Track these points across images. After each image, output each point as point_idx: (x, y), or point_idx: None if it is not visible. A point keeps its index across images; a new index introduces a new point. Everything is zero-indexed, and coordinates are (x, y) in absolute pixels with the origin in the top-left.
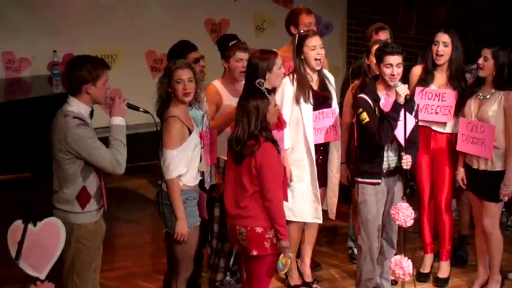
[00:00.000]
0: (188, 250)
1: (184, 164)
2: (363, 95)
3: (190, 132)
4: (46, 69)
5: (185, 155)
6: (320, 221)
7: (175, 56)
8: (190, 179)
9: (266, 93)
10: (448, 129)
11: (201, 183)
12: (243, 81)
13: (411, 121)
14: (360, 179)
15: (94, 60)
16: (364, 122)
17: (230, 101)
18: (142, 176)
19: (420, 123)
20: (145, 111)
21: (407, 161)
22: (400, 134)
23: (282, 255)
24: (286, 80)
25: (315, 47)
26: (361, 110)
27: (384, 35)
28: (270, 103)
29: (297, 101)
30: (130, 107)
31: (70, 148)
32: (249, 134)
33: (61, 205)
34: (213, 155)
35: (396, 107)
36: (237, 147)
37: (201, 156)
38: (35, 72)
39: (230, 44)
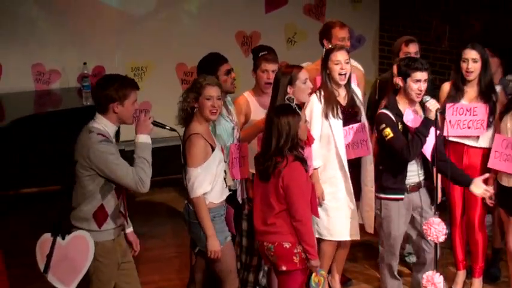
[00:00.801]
0: (227, 266)
1: (209, 181)
2: (384, 111)
3: (213, 149)
4: (76, 81)
5: (209, 172)
6: (358, 238)
7: (206, 68)
8: (216, 196)
9: (297, 109)
10: (482, 143)
11: (232, 196)
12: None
13: (432, 136)
14: (382, 195)
15: (123, 79)
16: (388, 137)
17: (259, 112)
18: (172, 189)
19: (452, 139)
20: (172, 129)
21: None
22: (426, 148)
23: (314, 274)
24: (314, 98)
25: (339, 61)
26: (383, 125)
27: (413, 48)
28: (301, 119)
29: (326, 117)
30: (157, 124)
31: (92, 164)
32: (276, 151)
33: (78, 223)
34: (245, 168)
35: (426, 122)
36: (264, 165)
37: (225, 170)
38: (65, 85)
39: (260, 55)
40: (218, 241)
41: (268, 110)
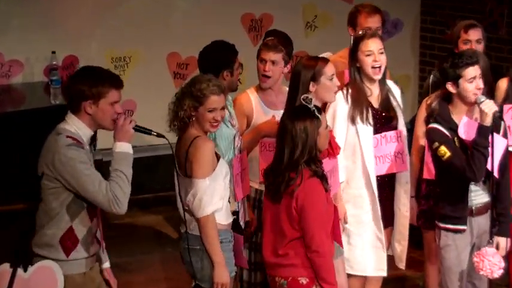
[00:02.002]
0: None
1: (219, 195)
2: (434, 125)
3: (218, 156)
4: (42, 74)
5: (218, 185)
6: (384, 274)
7: (218, 63)
8: (224, 215)
9: (316, 113)
10: None
11: (234, 221)
12: (285, 90)
13: (501, 142)
14: (441, 224)
15: (101, 73)
16: (446, 157)
17: (264, 114)
18: (159, 209)
19: (510, 148)
20: (159, 135)
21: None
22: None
23: None
24: (339, 97)
25: (371, 52)
26: (437, 144)
27: (474, 34)
28: (320, 125)
29: (353, 121)
30: (140, 129)
31: (56, 173)
32: (290, 165)
33: (41, 250)
34: (245, 184)
35: (482, 130)
36: (274, 182)
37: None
38: (29, 79)
39: (264, 41)
40: (228, 271)
41: (283, 114)
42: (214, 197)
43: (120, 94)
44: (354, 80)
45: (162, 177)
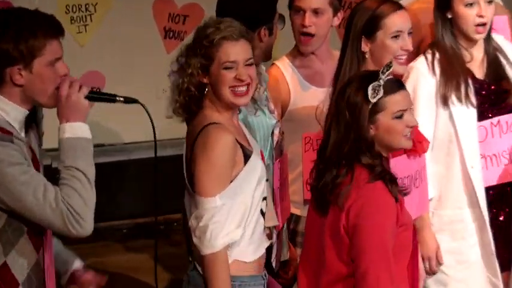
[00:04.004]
0: None
1: (238, 220)
2: None
3: (246, 155)
4: None
5: (240, 203)
6: None
7: (250, 12)
8: (250, 249)
9: (380, 89)
10: None
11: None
12: (336, 56)
13: None
14: None
15: (29, 18)
16: None
17: (305, 95)
18: (146, 244)
19: None
20: (128, 100)
21: None
22: None
23: None
24: (420, 64)
25: (474, 0)
26: None
27: None
28: (383, 109)
29: (445, 102)
30: (96, 97)
31: None
32: (336, 155)
33: None
34: (286, 202)
35: None
36: (318, 183)
37: (266, 200)
38: None
39: None
40: None
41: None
42: (229, 223)
43: (61, 46)
44: (444, 39)
45: (147, 192)
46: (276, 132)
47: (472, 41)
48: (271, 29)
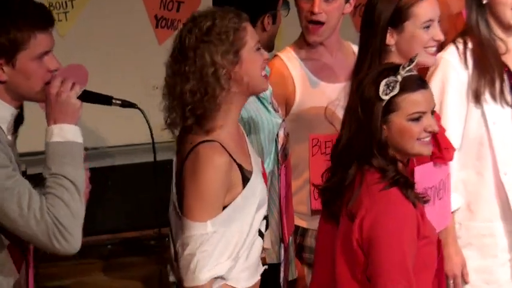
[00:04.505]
0: None
1: (230, 250)
2: None
3: (244, 175)
4: None
5: (235, 231)
6: None
7: None
8: (242, 275)
9: (396, 86)
10: None
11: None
12: (347, 47)
13: None
14: None
15: (13, 7)
16: None
17: (313, 91)
18: (134, 262)
19: None
20: (126, 104)
21: None
22: None
23: None
24: (451, 55)
25: None
26: None
27: None
28: (397, 109)
29: (477, 100)
30: (90, 98)
31: None
32: (348, 156)
33: None
34: (290, 214)
35: None
36: (328, 187)
37: (267, 219)
38: None
39: None
40: None
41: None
42: (218, 254)
43: (51, 38)
44: (478, 27)
45: (143, 204)
46: (281, 133)
47: (510, 30)
48: (275, 16)
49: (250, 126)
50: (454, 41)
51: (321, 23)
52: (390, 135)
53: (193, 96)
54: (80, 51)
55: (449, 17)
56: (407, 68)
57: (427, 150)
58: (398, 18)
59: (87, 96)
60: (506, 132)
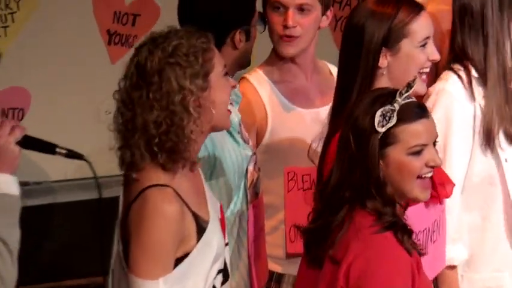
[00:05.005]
0: None
1: None
2: None
3: (200, 225)
4: None
5: (191, 287)
6: None
7: (224, 12)
8: None
9: (396, 102)
10: None
11: None
12: (323, 67)
13: None
14: None
15: None
16: None
17: (287, 118)
18: None
19: None
20: (72, 154)
21: None
22: None
23: None
24: (453, 86)
25: None
26: None
27: None
28: (395, 141)
29: (488, 135)
30: (32, 144)
31: None
32: (338, 197)
33: None
34: (261, 259)
35: None
36: (314, 230)
37: (226, 272)
38: None
39: None
40: None
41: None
42: None
43: None
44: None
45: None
46: (251, 168)
47: None
48: (249, 32)
49: (215, 163)
50: (451, 68)
51: (295, 37)
52: (387, 173)
53: (159, 128)
54: (21, 71)
55: (440, 34)
56: (406, 94)
57: (424, 196)
58: (394, 37)
59: (28, 143)
60: None
